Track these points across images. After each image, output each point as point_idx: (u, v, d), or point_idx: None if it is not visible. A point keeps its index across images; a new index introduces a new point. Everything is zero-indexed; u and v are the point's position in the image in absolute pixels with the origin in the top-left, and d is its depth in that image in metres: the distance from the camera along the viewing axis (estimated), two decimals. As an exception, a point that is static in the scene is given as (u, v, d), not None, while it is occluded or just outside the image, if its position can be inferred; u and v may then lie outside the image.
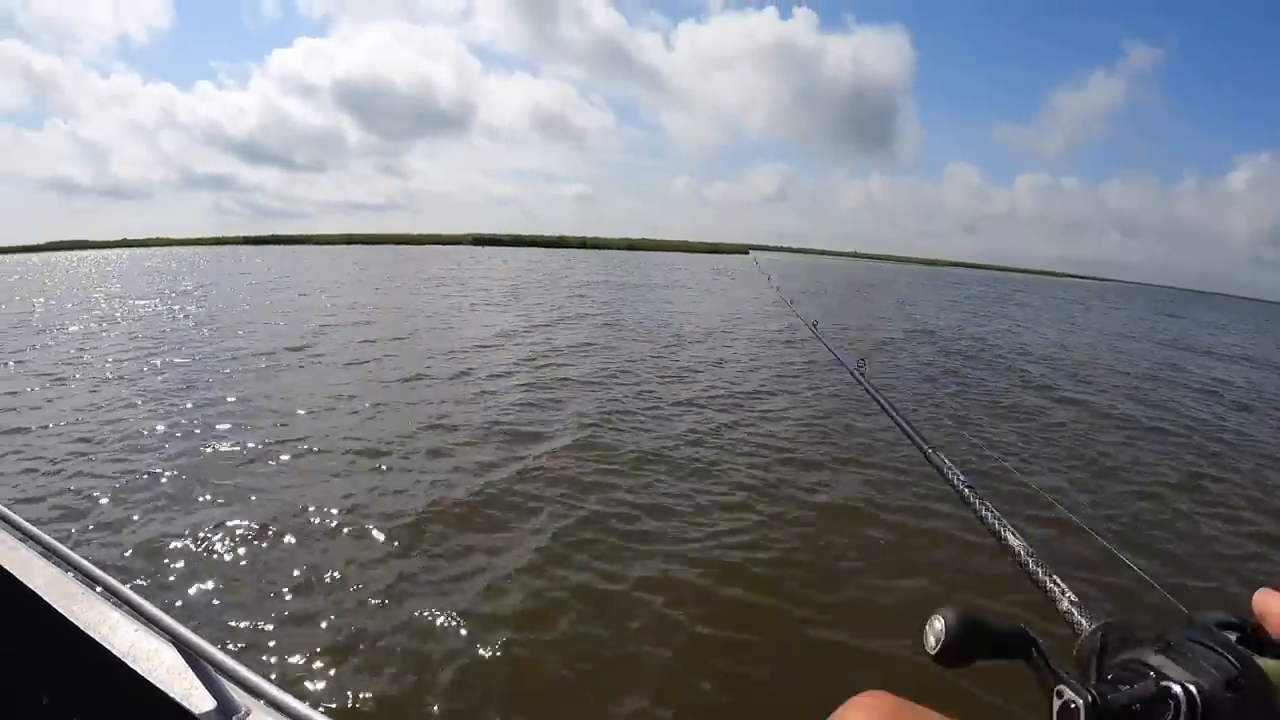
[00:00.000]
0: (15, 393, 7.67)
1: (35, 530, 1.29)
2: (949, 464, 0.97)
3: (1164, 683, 0.39)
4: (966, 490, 0.85)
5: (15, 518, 1.34)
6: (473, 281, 25.38)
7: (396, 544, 4.00)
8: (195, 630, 0.98)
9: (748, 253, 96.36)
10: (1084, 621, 0.52)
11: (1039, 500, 4.18)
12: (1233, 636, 0.42)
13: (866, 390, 1.57)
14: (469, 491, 4.74)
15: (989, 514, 0.75)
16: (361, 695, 2.76)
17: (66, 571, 1.29)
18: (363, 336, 11.66)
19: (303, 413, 6.75)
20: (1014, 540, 0.68)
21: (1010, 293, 40.65)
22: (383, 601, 3.42)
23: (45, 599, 1.27)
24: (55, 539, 1.24)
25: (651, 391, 7.95)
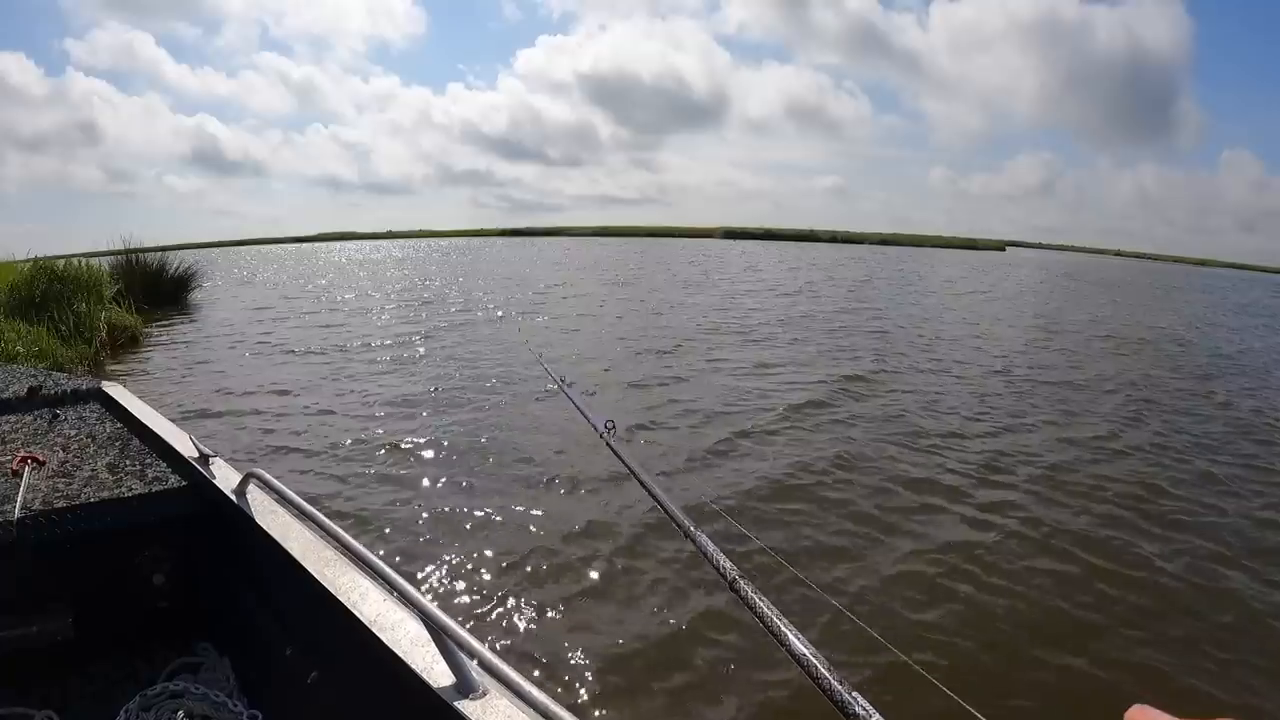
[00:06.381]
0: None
1: (294, 496, 1.37)
2: (714, 548, 0.87)
3: None
4: (736, 577, 0.74)
5: (278, 484, 1.42)
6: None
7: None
8: (441, 607, 1.00)
9: (1004, 249, 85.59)
10: None
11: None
12: None
13: (617, 455, 1.29)
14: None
15: (765, 607, 0.65)
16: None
17: (321, 537, 1.37)
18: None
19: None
20: (797, 643, 0.60)
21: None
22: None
23: (300, 561, 1.34)
24: (313, 506, 1.32)
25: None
